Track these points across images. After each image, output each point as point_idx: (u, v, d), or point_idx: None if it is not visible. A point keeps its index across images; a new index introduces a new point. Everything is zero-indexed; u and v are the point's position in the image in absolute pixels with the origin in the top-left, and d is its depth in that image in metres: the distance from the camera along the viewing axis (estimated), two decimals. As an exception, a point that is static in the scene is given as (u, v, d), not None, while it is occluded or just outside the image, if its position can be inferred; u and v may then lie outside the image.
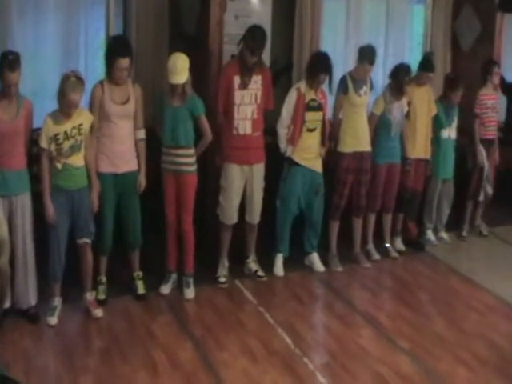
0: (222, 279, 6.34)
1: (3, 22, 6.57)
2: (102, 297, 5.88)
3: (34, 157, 5.52)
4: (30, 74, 6.82)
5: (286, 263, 6.62)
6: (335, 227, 6.85)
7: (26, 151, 5.48)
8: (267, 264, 6.58)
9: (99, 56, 6.90)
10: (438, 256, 7.24)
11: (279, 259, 6.65)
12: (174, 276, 6.14)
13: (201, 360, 5.05)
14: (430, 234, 7.63)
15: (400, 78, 6.75)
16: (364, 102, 6.79)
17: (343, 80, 6.74)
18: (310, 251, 6.77)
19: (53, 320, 5.46)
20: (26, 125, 5.40)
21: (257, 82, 6.24)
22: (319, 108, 6.48)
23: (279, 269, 6.62)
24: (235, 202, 6.31)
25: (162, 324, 5.57)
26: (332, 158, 6.74)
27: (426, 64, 7.25)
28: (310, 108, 6.44)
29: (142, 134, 5.89)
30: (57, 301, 5.57)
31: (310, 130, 6.48)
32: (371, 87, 6.89)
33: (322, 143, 6.57)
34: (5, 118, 5.29)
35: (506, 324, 5.88)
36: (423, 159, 7.27)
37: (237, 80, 6.17)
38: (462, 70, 8.39)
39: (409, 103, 7.00)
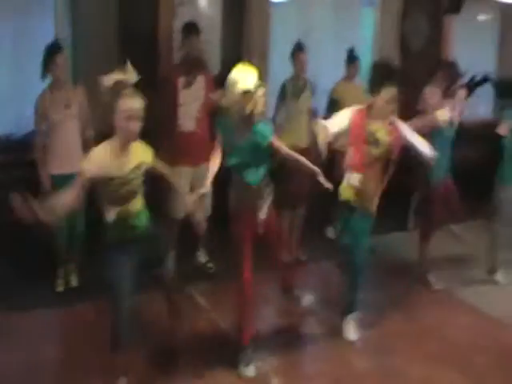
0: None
1: None
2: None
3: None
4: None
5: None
6: None
7: None
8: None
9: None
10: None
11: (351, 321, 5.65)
12: None
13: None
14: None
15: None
16: (304, 105, 6.86)
17: (283, 86, 6.81)
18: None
19: None
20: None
21: (200, 81, 6.38)
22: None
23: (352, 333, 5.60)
24: None
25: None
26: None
27: None
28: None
29: None
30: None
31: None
32: (313, 91, 6.96)
33: None
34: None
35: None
36: None
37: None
38: (411, 70, 8.50)
39: None
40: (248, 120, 4.64)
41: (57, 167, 5.81)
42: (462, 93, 6.29)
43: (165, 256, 4.67)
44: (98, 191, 4.21)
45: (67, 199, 4.02)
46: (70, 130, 5.90)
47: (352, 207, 5.24)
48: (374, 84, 5.10)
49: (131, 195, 4.27)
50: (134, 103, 4.10)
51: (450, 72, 6.57)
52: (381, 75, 5.12)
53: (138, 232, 4.35)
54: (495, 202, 6.62)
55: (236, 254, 4.84)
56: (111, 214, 4.24)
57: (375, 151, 5.15)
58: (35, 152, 5.86)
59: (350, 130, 5.17)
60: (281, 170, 6.27)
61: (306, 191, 6.78)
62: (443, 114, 6.05)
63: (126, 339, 4.38)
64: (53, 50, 5.85)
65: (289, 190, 6.60)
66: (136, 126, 4.12)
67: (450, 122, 6.19)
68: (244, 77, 4.60)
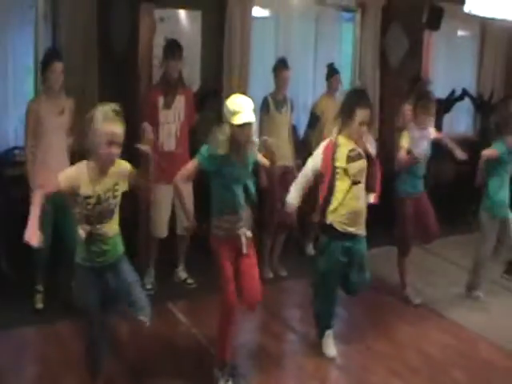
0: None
1: None
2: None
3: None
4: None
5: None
6: None
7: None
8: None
9: (28, 79, 6.85)
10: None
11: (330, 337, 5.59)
12: None
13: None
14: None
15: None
16: (285, 120, 6.90)
17: (265, 100, 6.83)
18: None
19: None
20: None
21: (180, 101, 6.40)
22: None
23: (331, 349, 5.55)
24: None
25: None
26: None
27: None
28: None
29: None
30: None
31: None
32: (292, 108, 7.00)
33: None
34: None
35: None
36: None
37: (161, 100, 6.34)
38: (390, 86, 8.57)
39: None
40: (244, 148, 4.64)
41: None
42: (432, 109, 6.36)
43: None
44: (74, 208, 4.11)
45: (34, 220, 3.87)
46: (60, 140, 5.74)
47: (337, 231, 5.21)
48: (348, 107, 5.18)
49: (105, 216, 4.08)
50: (115, 128, 3.92)
51: (417, 90, 6.68)
52: (354, 99, 5.22)
53: (110, 256, 4.17)
54: (478, 220, 6.64)
55: (219, 274, 4.74)
56: (82, 233, 4.07)
57: (362, 164, 5.18)
58: (25, 164, 5.73)
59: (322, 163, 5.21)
60: (265, 199, 6.36)
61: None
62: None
63: (100, 358, 4.32)
64: (51, 57, 5.82)
65: (272, 218, 6.77)
66: (117, 151, 3.96)
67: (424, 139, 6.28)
68: (244, 108, 4.49)
